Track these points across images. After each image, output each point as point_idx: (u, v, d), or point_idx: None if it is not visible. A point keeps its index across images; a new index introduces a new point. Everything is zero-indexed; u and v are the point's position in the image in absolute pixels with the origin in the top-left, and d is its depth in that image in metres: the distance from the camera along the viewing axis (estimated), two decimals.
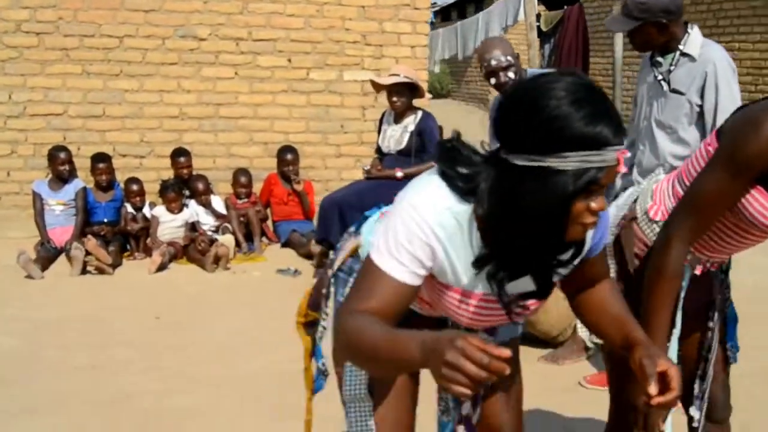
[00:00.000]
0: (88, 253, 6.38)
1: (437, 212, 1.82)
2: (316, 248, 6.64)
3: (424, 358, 1.55)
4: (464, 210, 1.82)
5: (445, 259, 1.87)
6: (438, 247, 1.84)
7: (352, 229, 2.45)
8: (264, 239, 7.23)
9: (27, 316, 5.38)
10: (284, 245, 7.22)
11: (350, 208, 5.90)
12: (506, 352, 1.44)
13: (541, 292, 1.93)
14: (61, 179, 6.95)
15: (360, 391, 2.27)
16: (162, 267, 6.50)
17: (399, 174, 6.05)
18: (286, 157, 7.37)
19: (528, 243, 1.77)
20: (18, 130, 7.22)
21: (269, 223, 7.48)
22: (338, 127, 7.73)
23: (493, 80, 4.53)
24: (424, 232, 1.81)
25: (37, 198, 6.91)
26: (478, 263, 1.85)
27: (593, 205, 1.71)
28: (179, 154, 7.25)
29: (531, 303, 1.98)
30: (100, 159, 7.05)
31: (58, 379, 4.38)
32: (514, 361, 2.28)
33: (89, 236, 6.48)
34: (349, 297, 1.94)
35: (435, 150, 2.00)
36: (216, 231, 7.01)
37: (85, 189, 6.96)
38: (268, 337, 5.11)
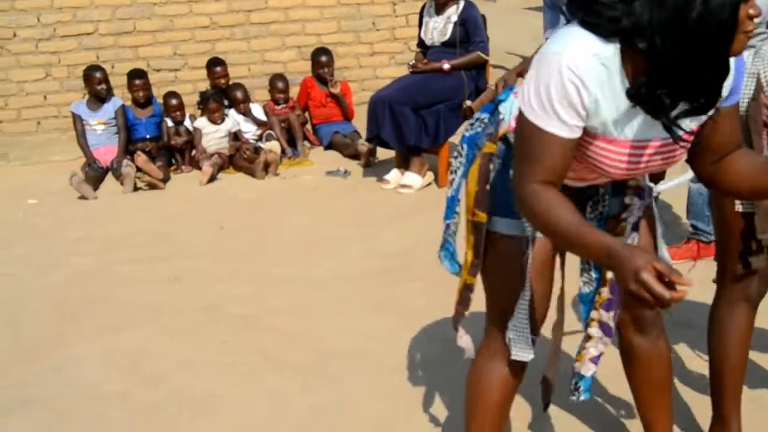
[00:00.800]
0: (138, 169, 6.39)
1: (585, 60, 1.83)
2: (363, 147, 6.65)
3: (610, 263, 1.77)
4: (611, 54, 1.84)
5: (598, 106, 1.88)
6: (590, 95, 1.85)
7: (483, 115, 2.44)
8: (306, 143, 7.22)
9: (94, 235, 5.42)
10: (327, 147, 7.21)
11: (400, 105, 5.87)
12: (689, 282, 1.65)
13: (706, 108, 1.89)
14: (99, 99, 6.91)
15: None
16: (212, 178, 6.51)
17: (446, 66, 5.99)
18: (321, 59, 7.30)
19: (696, 62, 1.76)
20: (50, 52, 7.13)
21: (308, 126, 7.44)
22: (370, 25, 7.63)
23: None
24: (576, 81, 1.83)
25: (77, 119, 6.88)
26: (637, 97, 1.84)
27: (751, 11, 1.76)
28: (215, 63, 7.17)
29: (695, 128, 2.00)
30: (137, 75, 6.98)
31: (142, 293, 4.45)
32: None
33: (138, 153, 6.47)
34: (518, 165, 1.98)
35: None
36: (259, 139, 6.99)
37: (123, 106, 6.93)
38: (336, 237, 5.17)
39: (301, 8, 7.41)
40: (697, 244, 4.70)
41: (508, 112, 2.27)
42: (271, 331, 3.91)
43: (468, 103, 5.95)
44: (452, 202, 2.55)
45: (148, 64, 7.24)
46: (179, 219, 5.68)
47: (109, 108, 6.90)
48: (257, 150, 6.79)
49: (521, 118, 1.94)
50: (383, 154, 6.69)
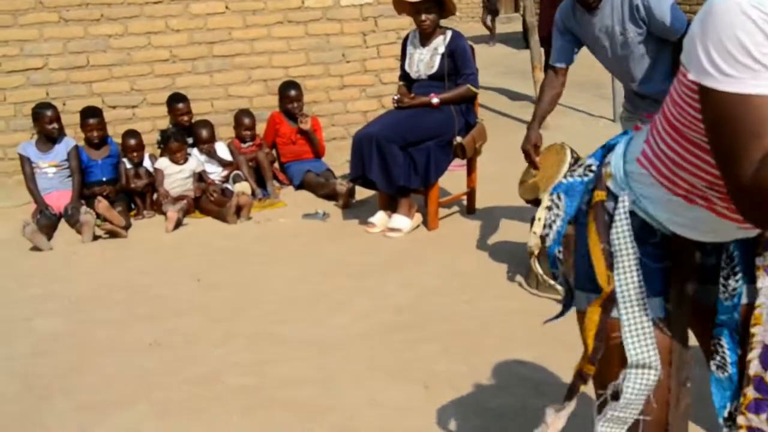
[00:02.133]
0: (97, 215, 5.84)
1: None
2: (341, 188, 6.22)
3: None
4: None
5: None
6: None
7: (591, 161, 2.08)
8: (276, 183, 6.75)
9: (59, 293, 4.87)
10: (299, 187, 6.76)
11: (388, 142, 5.48)
12: None
13: None
14: (49, 139, 6.34)
15: (647, 357, 1.95)
16: (178, 224, 6.00)
17: (435, 100, 5.62)
18: (290, 93, 6.86)
19: None
20: None
21: (276, 165, 6.98)
22: (340, 57, 7.23)
23: None
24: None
25: (25, 162, 6.30)
26: None
27: None
28: (177, 99, 6.67)
29: None
30: (90, 114, 6.43)
31: (124, 361, 3.93)
32: None
33: (99, 198, 5.91)
34: (725, 162, 1.54)
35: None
36: (225, 180, 6.51)
37: (77, 147, 6.37)
38: (335, 289, 4.74)
39: (267, 40, 6.98)
40: None
41: (620, 157, 1.94)
42: (288, 406, 3.44)
43: (459, 139, 5.62)
44: (555, 264, 2.18)
45: (103, 100, 6.71)
46: (153, 271, 5.16)
47: (61, 149, 6.34)
48: (224, 192, 6.31)
49: (709, 103, 1.52)
50: (361, 193, 6.29)
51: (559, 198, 2.15)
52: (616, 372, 1.98)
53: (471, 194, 6.11)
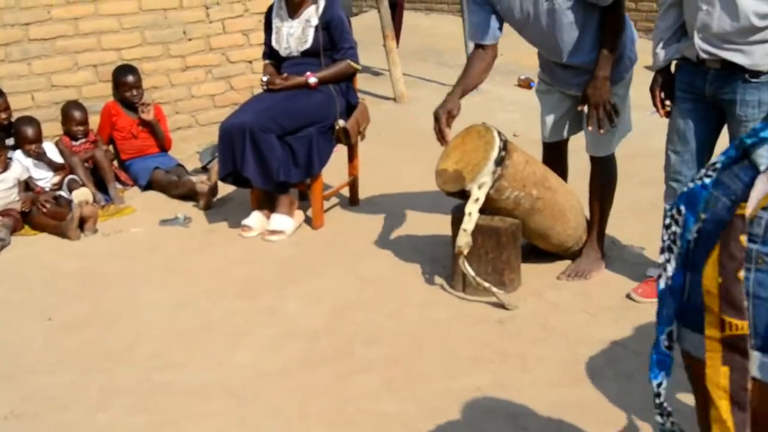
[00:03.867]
0: None
1: None
2: (202, 186, 5.34)
3: None
4: None
5: None
6: None
7: (719, 159, 1.50)
8: (118, 184, 5.76)
9: None
10: (146, 188, 5.78)
11: (264, 132, 4.66)
12: None
13: None
14: None
15: None
16: (2, 244, 4.92)
17: (312, 80, 4.85)
18: (126, 79, 5.86)
19: None
20: None
21: (115, 163, 5.97)
22: (180, 34, 6.24)
23: None
24: None
25: None
26: None
27: None
28: None
29: None
30: None
31: None
32: None
33: None
34: None
35: None
36: (58, 186, 5.45)
37: None
38: (225, 315, 3.92)
39: (93, 18, 5.90)
40: None
41: None
42: None
43: (341, 123, 4.90)
44: (666, 299, 1.66)
45: None
46: None
47: None
48: (58, 200, 5.27)
49: None
50: (222, 189, 5.43)
51: (678, 212, 1.52)
52: None
53: (354, 184, 5.38)
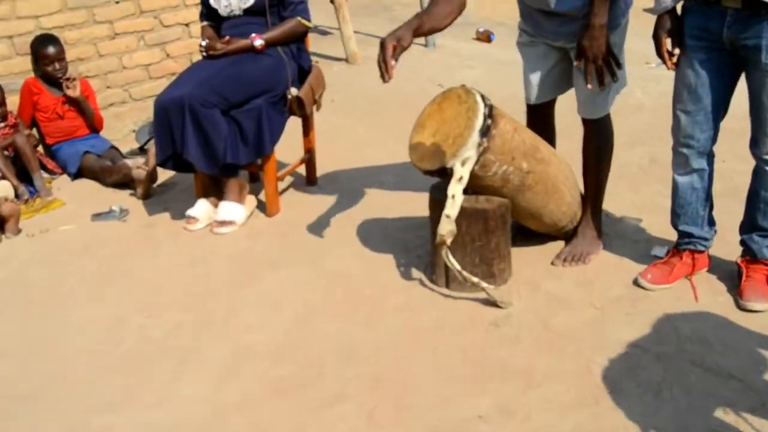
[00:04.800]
0: None
1: None
2: (140, 172, 4.68)
3: None
4: None
5: None
6: None
7: None
8: (45, 174, 5.07)
9: None
10: (77, 176, 5.11)
11: (206, 107, 4.01)
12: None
13: None
14: None
15: None
16: None
17: (258, 42, 4.21)
18: (47, 51, 5.12)
19: None
20: None
21: (41, 149, 5.27)
22: None
23: None
24: None
25: None
26: None
27: None
28: None
29: None
30: None
31: None
32: None
33: None
34: None
35: None
36: None
37: None
38: (170, 331, 3.33)
39: None
40: (691, 256, 3.42)
41: None
42: None
43: (294, 91, 4.30)
44: None
45: None
46: None
47: None
48: None
49: None
50: (163, 174, 4.80)
51: None
52: None
53: (311, 161, 4.76)
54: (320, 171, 4.82)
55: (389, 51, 3.14)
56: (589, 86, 3.33)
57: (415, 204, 4.02)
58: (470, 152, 3.23)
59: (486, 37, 7.98)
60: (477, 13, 8.07)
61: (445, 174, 3.30)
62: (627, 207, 4.14)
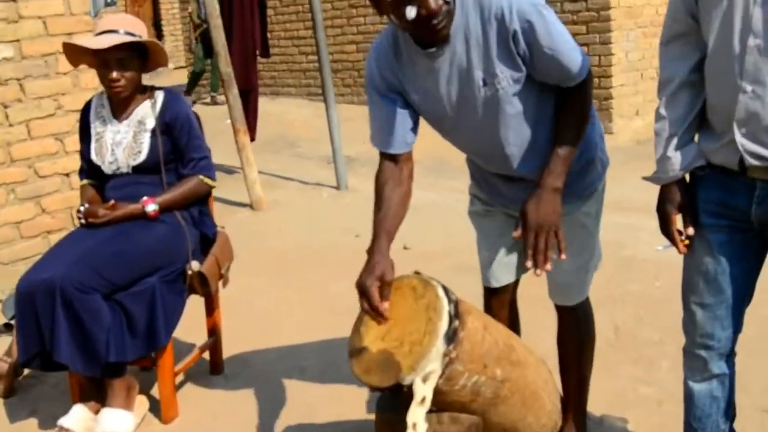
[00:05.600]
0: None
1: None
2: (1, 365, 3.75)
3: None
4: None
5: None
6: None
7: None
8: None
9: None
10: None
11: (84, 291, 3.15)
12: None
13: None
14: None
15: None
16: None
17: (150, 207, 3.41)
18: None
19: None
20: None
21: None
22: None
23: None
24: None
25: None
26: None
27: None
28: None
29: None
30: None
31: None
32: None
33: None
34: None
35: None
36: None
37: None
38: None
39: None
40: None
41: None
42: None
43: (195, 266, 3.50)
44: None
45: None
46: None
47: None
48: None
49: None
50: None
51: None
52: None
53: (216, 345, 3.91)
54: (227, 352, 3.97)
55: (375, 295, 2.45)
56: (528, 264, 2.59)
57: (348, 403, 3.23)
58: (434, 365, 2.44)
59: None
60: None
61: (400, 391, 2.50)
62: (605, 401, 3.41)
